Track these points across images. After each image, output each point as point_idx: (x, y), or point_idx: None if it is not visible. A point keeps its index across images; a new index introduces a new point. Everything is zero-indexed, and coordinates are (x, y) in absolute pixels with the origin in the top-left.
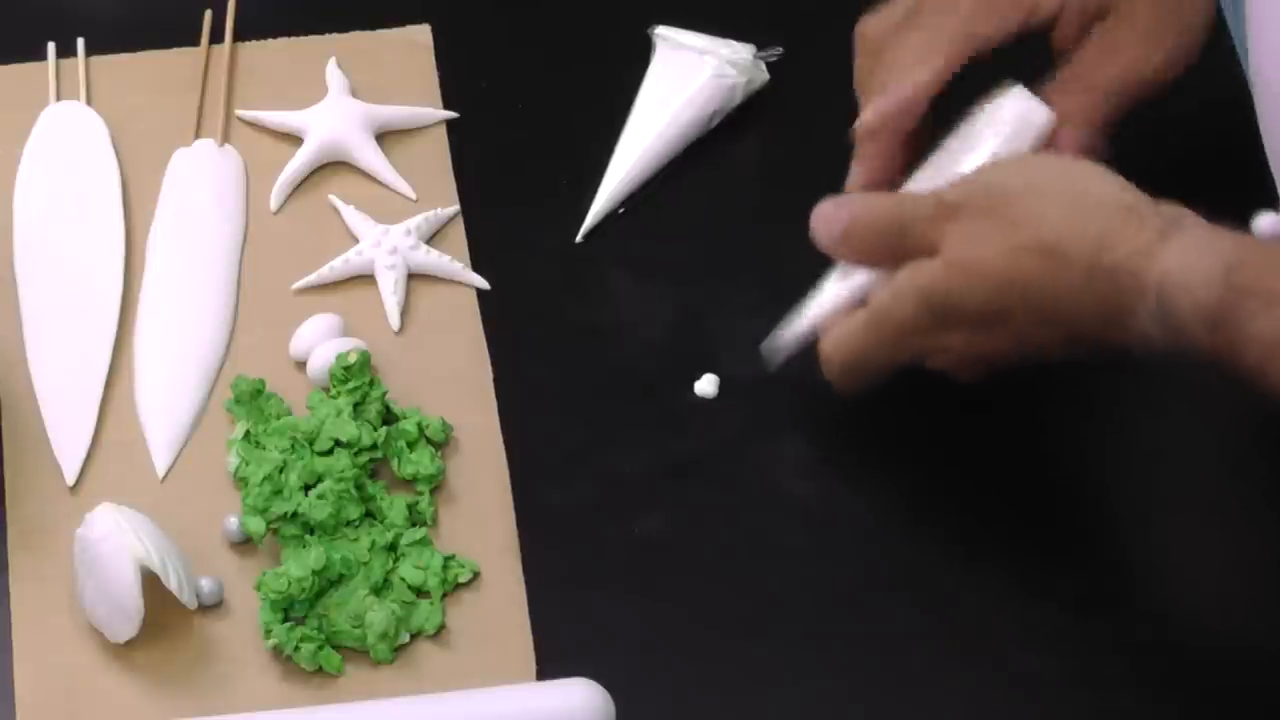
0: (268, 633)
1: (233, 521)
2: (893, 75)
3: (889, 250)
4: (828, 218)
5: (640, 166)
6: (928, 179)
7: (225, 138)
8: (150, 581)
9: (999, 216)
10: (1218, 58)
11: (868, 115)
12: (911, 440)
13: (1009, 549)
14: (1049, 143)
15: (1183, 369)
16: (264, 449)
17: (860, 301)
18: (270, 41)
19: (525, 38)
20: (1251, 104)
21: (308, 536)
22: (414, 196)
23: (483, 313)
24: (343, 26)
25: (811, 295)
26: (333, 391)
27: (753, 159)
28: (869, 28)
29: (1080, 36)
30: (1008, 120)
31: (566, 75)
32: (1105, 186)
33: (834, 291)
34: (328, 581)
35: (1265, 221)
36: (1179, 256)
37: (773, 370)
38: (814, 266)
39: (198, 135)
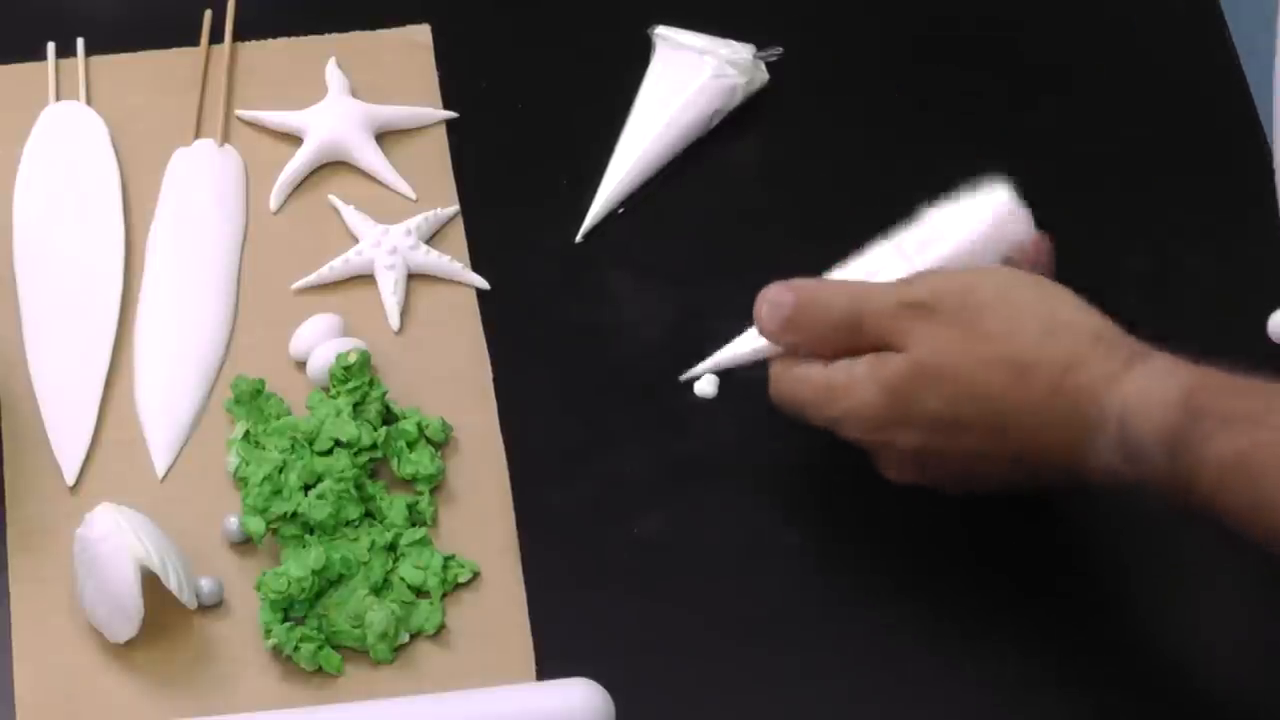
0: (268, 633)
1: (233, 521)
2: None
3: (840, 342)
4: (774, 301)
5: (640, 166)
6: (890, 256)
7: (225, 138)
8: (150, 581)
9: (971, 326)
10: (1219, 57)
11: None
12: None
13: (1009, 549)
14: (1023, 252)
15: (1144, 507)
16: (264, 449)
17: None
18: (270, 41)
19: (525, 38)
20: (1251, 104)
21: (308, 536)
22: (414, 196)
23: (483, 313)
24: (343, 26)
25: (745, 334)
26: (333, 391)
27: (753, 159)
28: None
29: None
30: (989, 221)
31: (566, 75)
32: (1077, 312)
33: (753, 344)
34: (327, 581)
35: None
36: (1141, 382)
37: (682, 381)
38: (814, 267)
39: (198, 135)
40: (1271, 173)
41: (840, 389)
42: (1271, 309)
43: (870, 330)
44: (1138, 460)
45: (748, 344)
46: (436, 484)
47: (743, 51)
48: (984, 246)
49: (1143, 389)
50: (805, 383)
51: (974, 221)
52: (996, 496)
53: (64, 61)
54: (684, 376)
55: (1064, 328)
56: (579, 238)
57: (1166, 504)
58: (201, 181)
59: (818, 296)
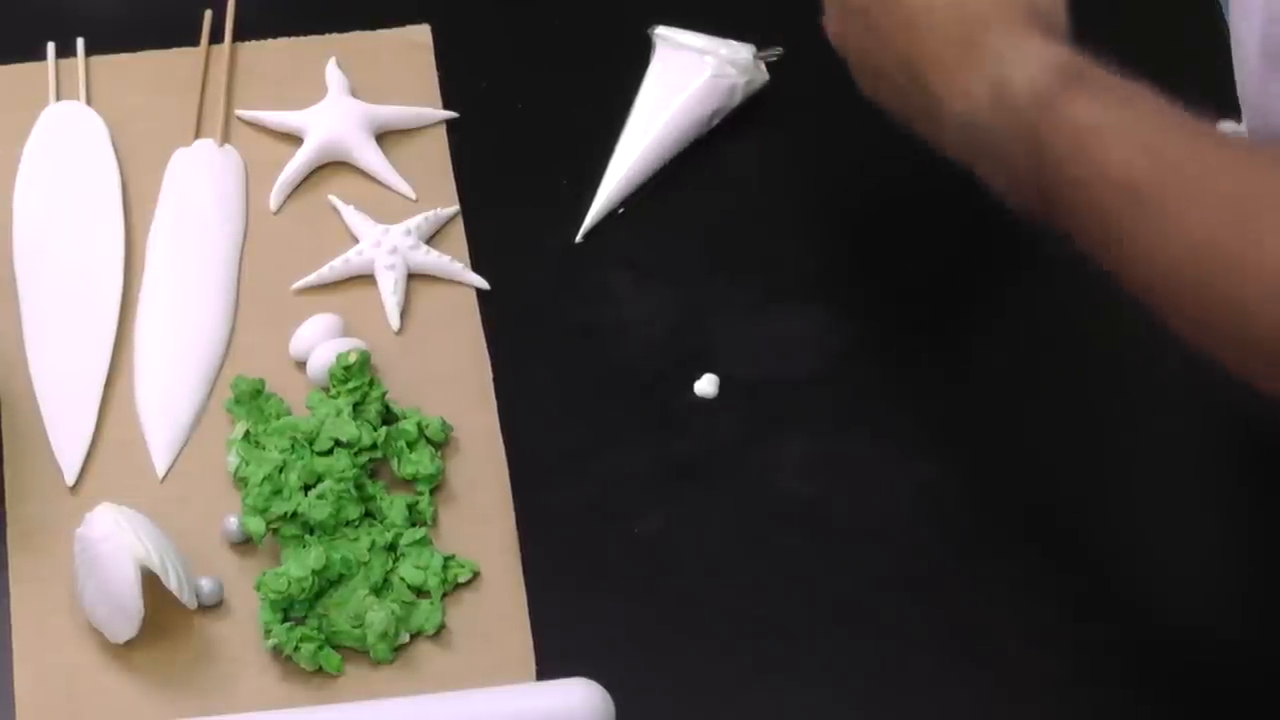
0: (268, 633)
1: (233, 521)
2: None
3: None
4: None
5: (640, 166)
6: None
7: (225, 138)
8: (150, 581)
9: None
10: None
11: None
12: (911, 440)
13: (1009, 549)
14: None
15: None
16: (264, 449)
17: None
18: (270, 41)
19: (525, 38)
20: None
21: (308, 536)
22: (414, 196)
23: (483, 313)
24: (343, 26)
25: None
26: (333, 391)
27: (753, 159)
28: None
29: None
30: None
31: (566, 75)
32: None
33: None
34: (328, 581)
35: (1224, 129)
36: (1036, 42)
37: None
38: (814, 266)
39: (198, 135)
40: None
41: None
42: None
43: None
44: (1002, 105)
45: None
46: (436, 484)
47: (743, 51)
48: None
49: (1035, 45)
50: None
51: None
52: (997, 497)
53: (64, 61)
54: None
55: None
56: (579, 238)
57: (1014, 167)
58: (201, 181)
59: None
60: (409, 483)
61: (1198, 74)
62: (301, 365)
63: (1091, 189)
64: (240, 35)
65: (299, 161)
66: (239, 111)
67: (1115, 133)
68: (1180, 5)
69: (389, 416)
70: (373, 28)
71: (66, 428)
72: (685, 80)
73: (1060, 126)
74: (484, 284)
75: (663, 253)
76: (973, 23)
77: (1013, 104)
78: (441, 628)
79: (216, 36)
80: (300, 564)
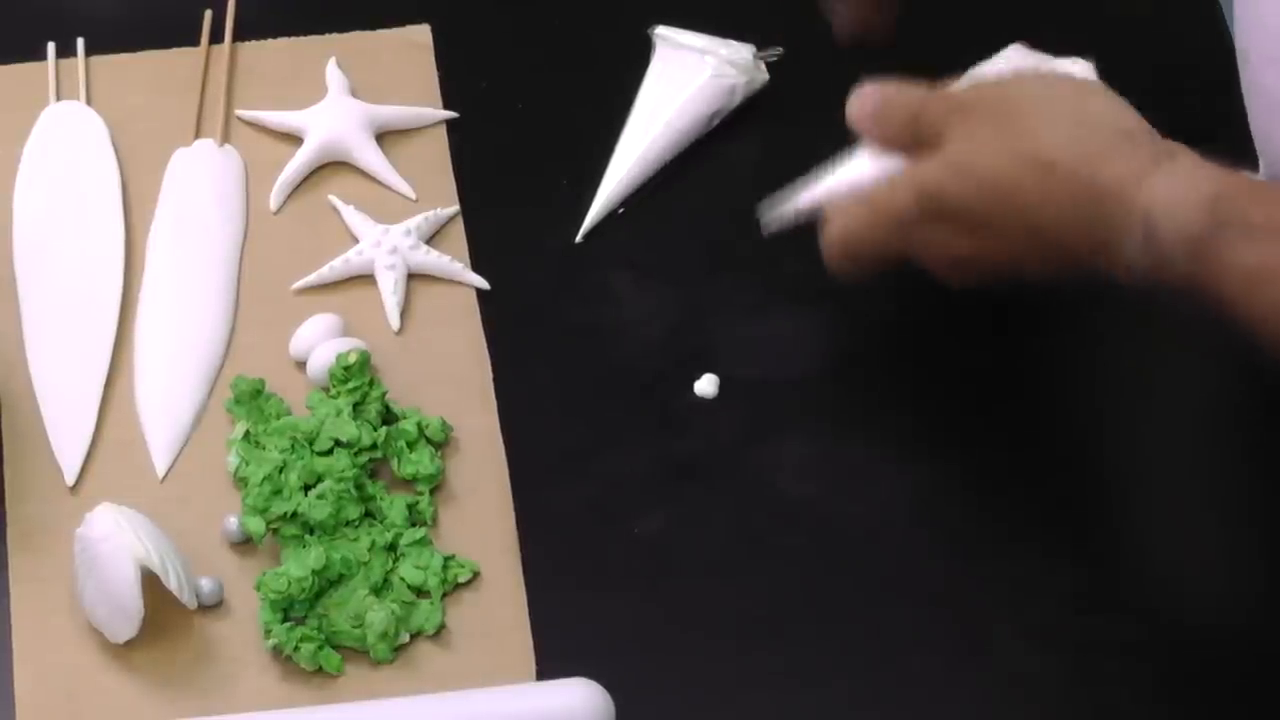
0: (268, 633)
1: (233, 521)
2: None
3: (906, 139)
4: (863, 96)
5: (640, 166)
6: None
7: (225, 138)
8: (150, 581)
9: (1004, 124)
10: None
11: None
12: (911, 440)
13: (1009, 549)
14: None
15: (1167, 310)
16: (264, 449)
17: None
18: (270, 41)
19: (525, 38)
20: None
21: (308, 536)
22: (414, 196)
23: (483, 313)
24: (342, 26)
25: (817, 176)
26: (333, 391)
27: (753, 159)
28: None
29: None
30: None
31: (566, 75)
32: (1112, 111)
33: (842, 177)
34: (328, 581)
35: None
36: (1167, 183)
37: (766, 235)
38: (814, 266)
39: (198, 135)
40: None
41: (881, 200)
42: None
43: (924, 128)
44: (1161, 262)
45: (835, 178)
46: (436, 484)
47: (743, 51)
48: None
49: (1169, 189)
50: (849, 211)
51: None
52: (996, 497)
53: (64, 61)
54: (766, 219)
55: (1094, 124)
56: (579, 238)
57: (1186, 308)
58: (201, 181)
59: (895, 95)
60: (409, 483)
61: (1211, 122)
62: (301, 365)
63: (1263, 324)
64: (240, 35)
65: (299, 161)
66: (239, 111)
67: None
68: (1194, 53)
69: (389, 416)
70: (373, 28)
71: (66, 428)
72: (685, 80)
73: (1224, 275)
74: (484, 284)
75: (663, 253)
76: (1092, 181)
77: (1169, 258)
78: (441, 628)
79: (216, 36)
80: (300, 564)
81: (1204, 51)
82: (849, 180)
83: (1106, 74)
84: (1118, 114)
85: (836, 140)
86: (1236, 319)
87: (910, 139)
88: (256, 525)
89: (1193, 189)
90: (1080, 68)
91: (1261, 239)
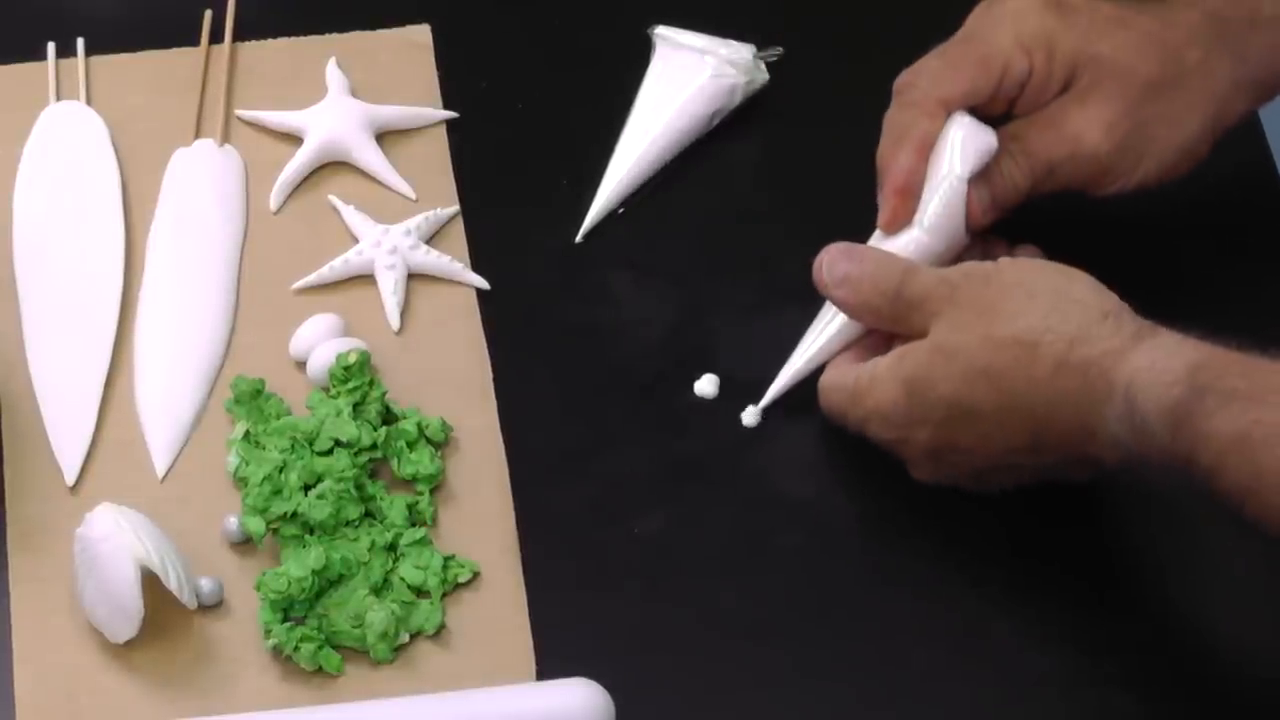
0: (268, 633)
1: (233, 521)
2: (889, 153)
3: (883, 311)
4: (835, 260)
5: (640, 166)
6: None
7: (225, 138)
8: (150, 581)
9: (988, 308)
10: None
11: (881, 210)
12: None
13: (1009, 549)
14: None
15: (1149, 484)
16: (264, 449)
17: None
18: (270, 41)
19: (525, 38)
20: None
21: (308, 536)
22: (414, 196)
23: (483, 313)
24: (342, 26)
25: (795, 350)
26: (333, 391)
27: (753, 159)
28: (901, 79)
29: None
30: (957, 137)
31: (566, 75)
32: (1089, 292)
33: (813, 344)
34: (328, 581)
35: None
36: (1148, 356)
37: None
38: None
39: (198, 135)
40: None
41: (864, 389)
42: None
43: (904, 308)
44: (1143, 435)
45: (800, 359)
46: (436, 484)
47: (743, 51)
48: (959, 161)
49: (1149, 364)
50: (835, 389)
51: (944, 146)
52: (996, 497)
53: (64, 61)
54: (760, 405)
55: (1073, 305)
56: (579, 238)
57: (1172, 481)
58: (201, 181)
59: (876, 270)
60: (409, 483)
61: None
62: (301, 365)
63: (1252, 493)
64: (240, 35)
65: (299, 161)
66: (239, 111)
67: (1263, 438)
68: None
69: (389, 416)
70: (373, 28)
71: (66, 428)
72: (685, 80)
73: (1203, 443)
74: (484, 284)
75: (663, 253)
76: (1074, 360)
77: (1151, 430)
78: (441, 628)
79: (216, 36)
80: (300, 564)
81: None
82: (831, 342)
83: None
84: (1099, 296)
85: (836, 140)
86: (1218, 490)
87: (883, 315)
88: (256, 525)
89: (1173, 359)
90: (959, 118)
91: (1240, 405)
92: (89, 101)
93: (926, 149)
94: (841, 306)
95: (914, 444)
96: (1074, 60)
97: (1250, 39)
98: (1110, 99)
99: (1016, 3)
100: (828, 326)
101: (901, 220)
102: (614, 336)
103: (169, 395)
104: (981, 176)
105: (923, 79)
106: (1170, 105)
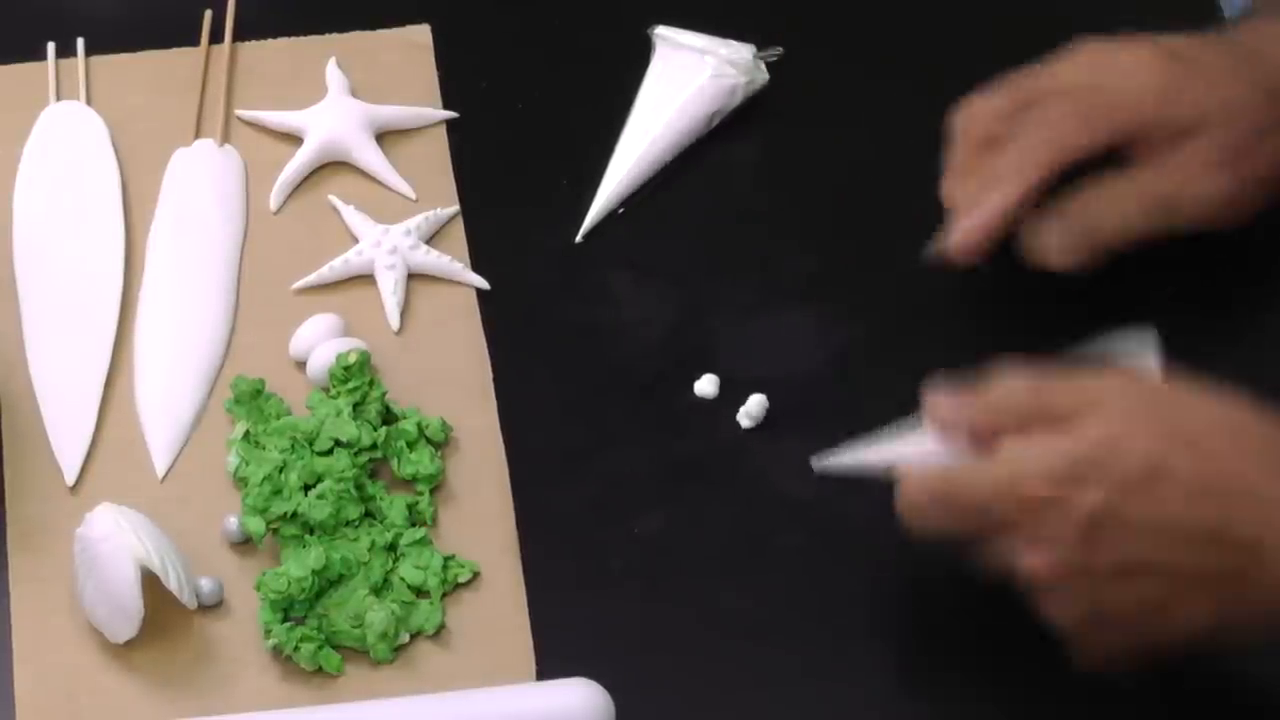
0: (268, 633)
1: (233, 521)
2: (983, 190)
3: (1009, 424)
4: (964, 403)
5: (640, 166)
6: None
7: (225, 138)
8: (150, 581)
9: (1150, 405)
10: None
11: (956, 238)
12: None
13: None
14: None
15: None
16: (264, 449)
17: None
18: (270, 41)
19: (525, 38)
20: None
21: (308, 536)
22: (414, 196)
23: (483, 313)
24: (343, 26)
25: (891, 433)
26: (333, 391)
27: (753, 159)
28: (972, 122)
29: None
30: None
31: (566, 75)
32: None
33: (918, 448)
34: (328, 581)
35: None
36: None
37: (816, 473)
38: (814, 266)
39: (198, 135)
40: None
41: (1011, 459)
42: None
43: (1042, 413)
44: None
45: (911, 447)
46: (436, 484)
47: (743, 51)
48: None
49: None
50: (975, 481)
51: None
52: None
53: (64, 61)
54: (821, 464)
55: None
56: (579, 238)
57: None
58: (201, 181)
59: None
60: (409, 483)
61: None
62: (301, 365)
63: None
64: (240, 35)
65: (299, 161)
66: (239, 111)
67: None
68: None
69: (389, 416)
70: (373, 28)
71: (66, 428)
72: (685, 80)
73: None
74: (484, 284)
75: (663, 253)
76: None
77: None
78: (441, 628)
79: (216, 36)
80: (300, 564)
81: None
82: (919, 452)
83: None
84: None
85: (836, 140)
86: None
87: (1014, 426)
88: (256, 525)
89: None
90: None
91: None
92: (89, 101)
93: (1019, 207)
94: (948, 441)
95: (1069, 516)
96: (1191, 111)
97: None
98: (1223, 144)
99: (1131, 54)
100: (908, 441)
101: (969, 251)
102: (614, 336)
103: (169, 395)
104: (1080, 212)
105: (1045, 126)
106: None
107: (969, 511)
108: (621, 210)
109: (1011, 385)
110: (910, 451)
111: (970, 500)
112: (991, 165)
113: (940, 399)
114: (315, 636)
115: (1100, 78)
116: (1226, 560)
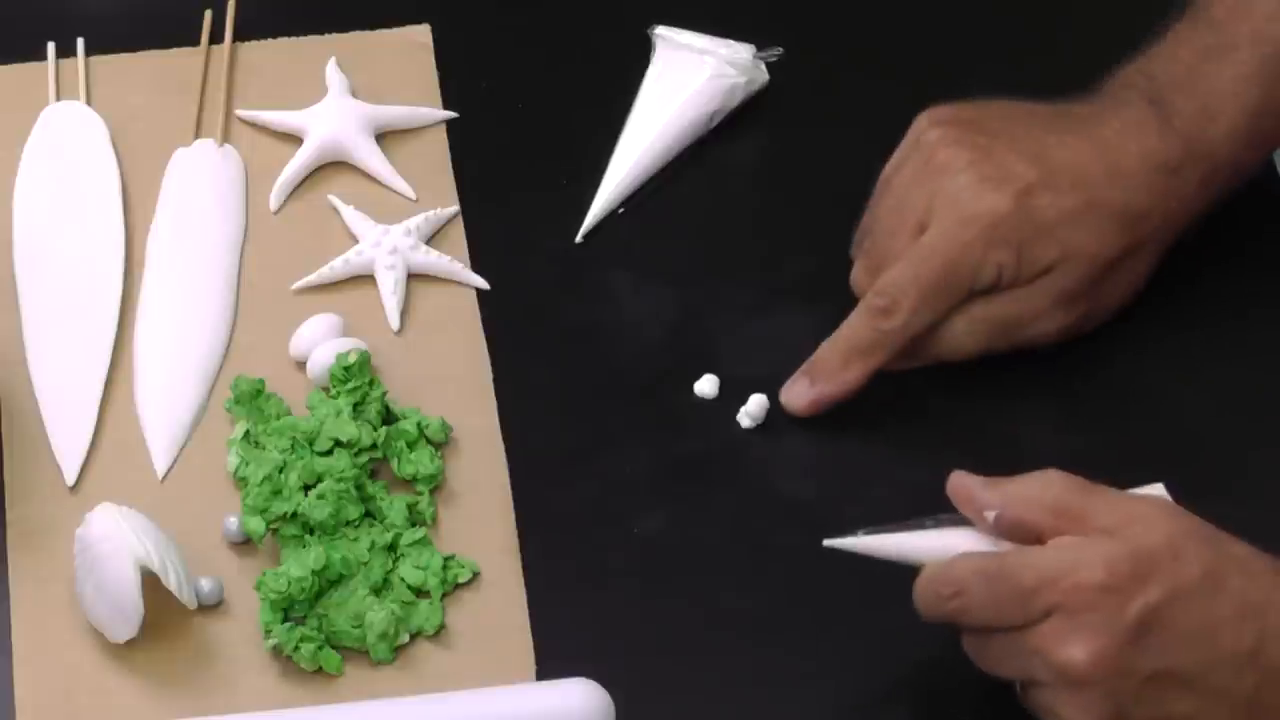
0: (268, 633)
1: (233, 521)
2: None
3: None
4: (1012, 500)
5: (640, 166)
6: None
7: (225, 138)
8: (150, 581)
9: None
10: None
11: (801, 403)
12: (912, 440)
13: None
14: None
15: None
16: (264, 449)
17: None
18: (270, 41)
19: (525, 38)
20: None
21: (308, 536)
22: (414, 196)
23: (483, 313)
24: (343, 26)
25: (910, 527)
26: (333, 391)
27: (753, 159)
28: (880, 291)
29: None
30: None
31: (566, 75)
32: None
33: (937, 541)
34: (328, 581)
35: None
36: None
37: (824, 546)
38: (814, 266)
39: (198, 135)
40: None
41: (1052, 575)
42: None
43: (1084, 519)
44: None
45: (931, 541)
46: (436, 484)
47: (743, 51)
48: None
49: None
50: (1031, 563)
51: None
52: None
53: (64, 61)
54: (828, 543)
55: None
56: (579, 238)
57: None
58: (201, 181)
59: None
60: (409, 483)
61: None
62: (301, 365)
63: None
64: (240, 35)
65: (299, 161)
66: (239, 111)
67: None
68: None
69: (389, 416)
70: (373, 28)
71: (66, 428)
72: (685, 80)
73: None
74: (484, 284)
75: (663, 253)
76: None
77: None
78: (441, 628)
79: (216, 36)
80: (300, 564)
81: None
82: (938, 545)
83: None
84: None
85: (836, 140)
86: None
87: (1055, 526)
88: (256, 525)
89: None
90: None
91: None
92: (89, 101)
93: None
94: (981, 523)
95: (1124, 609)
96: (1042, 254)
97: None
98: (1071, 279)
99: (983, 204)
100: (928, 538)
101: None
102: (614, 336)
103: (169, 395)
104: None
105: (903, 306)
106: (1127, 267)
107: (1015, 594)
108: (621, 210)
109: (1051, 478)
110: (927, 545)
111: (1022, 581)
112: (862, 334)
113: (973, 486)
114: (315, 636)
115: (949, 230)
116: (1257, 684)
